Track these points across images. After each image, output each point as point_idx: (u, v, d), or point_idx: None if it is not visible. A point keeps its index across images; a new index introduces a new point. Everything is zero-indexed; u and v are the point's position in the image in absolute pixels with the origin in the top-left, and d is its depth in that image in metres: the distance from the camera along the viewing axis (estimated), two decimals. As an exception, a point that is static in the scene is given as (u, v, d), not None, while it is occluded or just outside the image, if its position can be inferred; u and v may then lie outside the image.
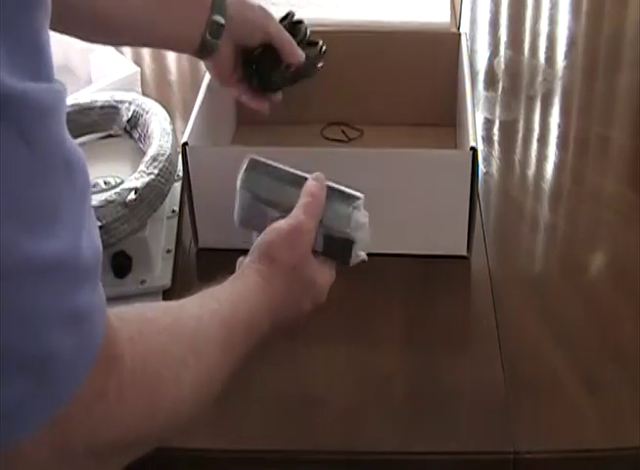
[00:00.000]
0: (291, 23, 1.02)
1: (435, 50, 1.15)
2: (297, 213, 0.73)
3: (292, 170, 0.78)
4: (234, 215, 0.79)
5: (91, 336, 0.47)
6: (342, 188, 0.77)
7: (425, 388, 0.84)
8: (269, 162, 0.79)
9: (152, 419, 0.53)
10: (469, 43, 1.15)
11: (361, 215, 0.76)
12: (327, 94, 1.17)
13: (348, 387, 0.85)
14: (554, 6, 1.60)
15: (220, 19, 0.94)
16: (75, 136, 1.08)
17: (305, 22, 1.04)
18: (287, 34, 0.99)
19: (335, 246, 0.75)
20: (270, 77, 1.00)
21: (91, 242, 0.47)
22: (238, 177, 0.79)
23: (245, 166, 0.79)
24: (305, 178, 0.77)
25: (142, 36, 0.96)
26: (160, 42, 0.99)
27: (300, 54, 1.00)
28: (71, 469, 0.48)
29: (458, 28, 1.17)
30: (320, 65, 1.04)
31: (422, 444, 0.80)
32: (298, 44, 1.01)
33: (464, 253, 0.99)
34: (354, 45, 1.16)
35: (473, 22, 1.54)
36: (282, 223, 0.73)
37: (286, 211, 0.74)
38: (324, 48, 1.04)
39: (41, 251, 0.42)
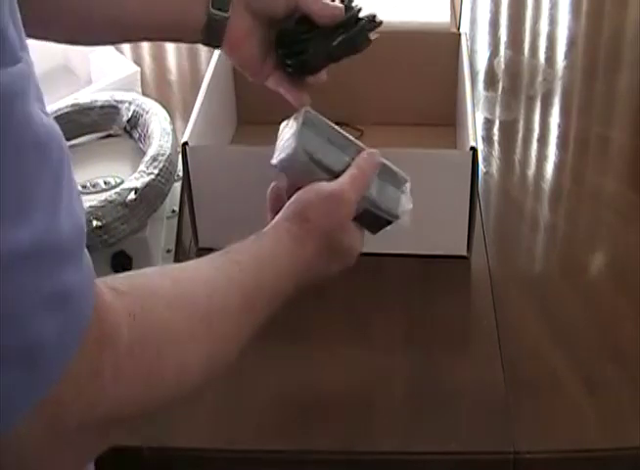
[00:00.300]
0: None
1: (435, 50, 1.15)
2: (342, 182, 0.71)
3: (346, 135, 0.76)
4: (274, 158, 0.75)
5: (77, 315, 0.45)
6: (394, 168, 0.77)
7: (425, 388, 0.84)
8: (323, 119, 0.76)
9: (151, 393, 0.51)
10: (469, 43, 1.15)
11: (408, 200, 0.76)
12: (327, 94, 1.17)
13: (348, 387, 0.85)
14: (554, 6, 1.60)
15: None
16: (75, 136, 1.08)
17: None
18: None
19: (372, 220, 0.75)
20: (307, 52, 0.83)
21: (71, 216, 0.45)
22: (292, 128, 0.75)
23: (301, 120, 0.74)
24: (360, 149, 0.75)
25: (139, 27, 0.82)
26: (159, 31, 0.83)
27: (335, 9, 0.81)
28: (66, 444, 0.47)
29: (458, 28, 1.17)
30: (374, 36, 0.83)
31: (422, 444, 0.80)
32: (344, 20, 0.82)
33: (464, 253, 0.99)
34: (354, 45, 1.16)
35: (473, 22, 1.54)
36: (324, 185, 0.70)
37: (334, 176, 0.72)
38: (378, 18, 0.83)
39: (16, 239, 0.41)
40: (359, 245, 0.74)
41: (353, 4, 0.84)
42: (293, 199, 0.70)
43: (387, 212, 0.75)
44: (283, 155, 0.74)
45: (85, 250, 0.47)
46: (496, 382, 0.84)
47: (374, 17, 0.83)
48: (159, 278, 0.56)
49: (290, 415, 0.83)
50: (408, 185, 0.76)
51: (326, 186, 0.70)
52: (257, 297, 0.62)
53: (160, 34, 0.86)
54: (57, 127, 0.45)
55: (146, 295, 0.53)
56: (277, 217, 0.70)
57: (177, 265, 0.63)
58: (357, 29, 0.82)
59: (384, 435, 0.81)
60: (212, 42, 0.82)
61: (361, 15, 0.83)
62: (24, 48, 0.43)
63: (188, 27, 0.81)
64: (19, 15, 0.43)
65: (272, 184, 0.74)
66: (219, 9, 0.78)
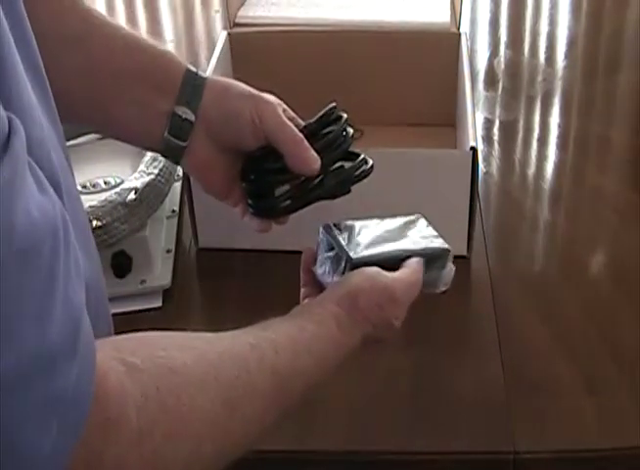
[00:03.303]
0: (321, 122, 0.74)
1: (435, 50, 1.15)
2: (398, 281, 0.66)
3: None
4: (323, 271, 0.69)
5: (72, 416, 0.41)
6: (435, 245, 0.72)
7: (425, 388, 0.84)
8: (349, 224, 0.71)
9: None
10: (469, 43, 1.15)
11: (450, 271, 0.72)
12: (327, 94, 1.17)
13: (349, 387, 0.85)
14: (554, 6, 1.60)
15: (186, 112, 0.70)
16: (75, 136, 1.08)
17: (348, 128, 0.77)
18: (291, 131, 0.71)
19: None
20: (272, 195, 0.73)
21: (66, 309, 0.41)
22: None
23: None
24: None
25: (97, 123, 0.75)
26: (117, 133, 0.76)
27: (310, 159, 0.70)
28: None
29: (458, 28, 1.17)
30: (361, 179, 0.73)
31: (422, 444, 0.80)
32: (326, 151, 0.72)
33: (464, 253, 0.98)
34: (354, 45, 1.16)
35: (473, 22, 1.54)
36: (378, 276, 0.65)
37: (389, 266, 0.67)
38: (369, 163, 0.74)
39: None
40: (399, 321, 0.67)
41: (332, 132, 0.73)
42: (344, 281, 0.65)
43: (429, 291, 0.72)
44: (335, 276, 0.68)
45: (83, 323, 0.43)
46: (496, 382, 0.84)
47: (362, 162, 0.74)
48: (180, 353, 0.51)
49: (290, 415, 0.82)
50: (450, 256, 0.71)
51: (381, 278, 0.65)
52: (290, 382, 0.57)
53: (122, 141, 0.78)
54: (49, 203, 0.41)
55: (164, 373, 0.48)
56: (324, 297, 0.65)
57: (207, 337, 0.55)
58: (336, 182, 0.72)
59: (384, 435, 0.81)
60: (174, 162, 0.76)
61: (343, 147, 0.74)
62: (16, 104, 0.40)
63: (148, 144, 0.75)
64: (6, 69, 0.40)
65: (306, 248, 0.70)
66: (176, 136, 0.71)
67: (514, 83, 1.35)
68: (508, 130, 1.25)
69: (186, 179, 0.96)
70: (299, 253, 0.93)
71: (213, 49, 1.13)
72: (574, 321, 0.92)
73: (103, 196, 0.92)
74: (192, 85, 0.71)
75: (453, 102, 1.16)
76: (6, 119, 0.39)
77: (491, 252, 1.00)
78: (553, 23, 1.55)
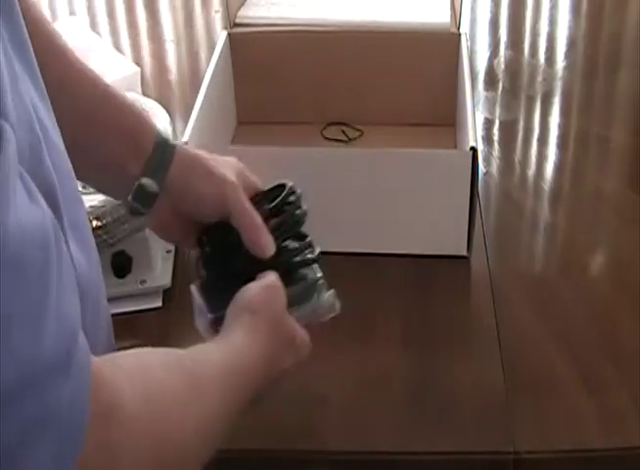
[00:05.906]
0: (276, 201, 0.75)
1: (435, 50, 1.15)
2: (267, 275, 0.70)
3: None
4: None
5: (71, 427, 0.42)
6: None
7: (424, 388, 0.84)
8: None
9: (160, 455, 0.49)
10: (469, 43, 1.15)
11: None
12: (327, 94, 1.17)
13: (348, 386, 0.85)
14: (554, 6, 1.60)
15: (152, 185, 0.72)
16: (75, 136, 1.08)
17: (302, 207, 0.76)
18: (251, 217, 0.72)
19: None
20: (225, 266, 0.75)
21: (60, 321, 0.41)
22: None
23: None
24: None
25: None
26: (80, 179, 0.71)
27: (266, 246, 0.72)
28: None
29: (458, 28, 1.17)
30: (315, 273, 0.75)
31: (422, 444, 0.80)
32: (281, 232, 0.74)
33: (464, 253, 0.99)
34: (354, 45, 1.16)
35: (473, 22, 1.54)
36: (254, 283, 0.69)
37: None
38: (316, 252, 0.75)
39: None
40: (305, 335, 0.72)
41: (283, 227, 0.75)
42: (232, 304, 0.68)
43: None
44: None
45: (79, 338, 0.43)
46: (496, 382, 0.84)
47: (308, 244, 0.75)
48: (145, 352, 0.55)
49: (289, 415, 0.83)
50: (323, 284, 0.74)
51: (257, 282, 0.69)
52: (234, 378, 0.61)
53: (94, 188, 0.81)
54: (39, 213, 0.41)
55: (138, 362, 0.52)
56: (225, 323, 0.68)
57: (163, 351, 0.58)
58: (285, 269, 0.73)
59: (384, 435, 0.81)
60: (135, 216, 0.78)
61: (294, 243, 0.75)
62: (10, 112, 0.40)
63: (111, 196, 0.79)
64: None
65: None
66: (140, 203, 0.73)
67: (514, 83, 1.35)
68: (508, 130, 1.25)
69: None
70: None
71: (213, 49, 1.13)
72: (574, 321, 0.92)
73: (103, 196, 0.92)
74: (161, 155, 0.73)
75: (453, 102, 1.16)
76: None
77: (491, 252, 1.00)
78: (553, 23, 1.55)
